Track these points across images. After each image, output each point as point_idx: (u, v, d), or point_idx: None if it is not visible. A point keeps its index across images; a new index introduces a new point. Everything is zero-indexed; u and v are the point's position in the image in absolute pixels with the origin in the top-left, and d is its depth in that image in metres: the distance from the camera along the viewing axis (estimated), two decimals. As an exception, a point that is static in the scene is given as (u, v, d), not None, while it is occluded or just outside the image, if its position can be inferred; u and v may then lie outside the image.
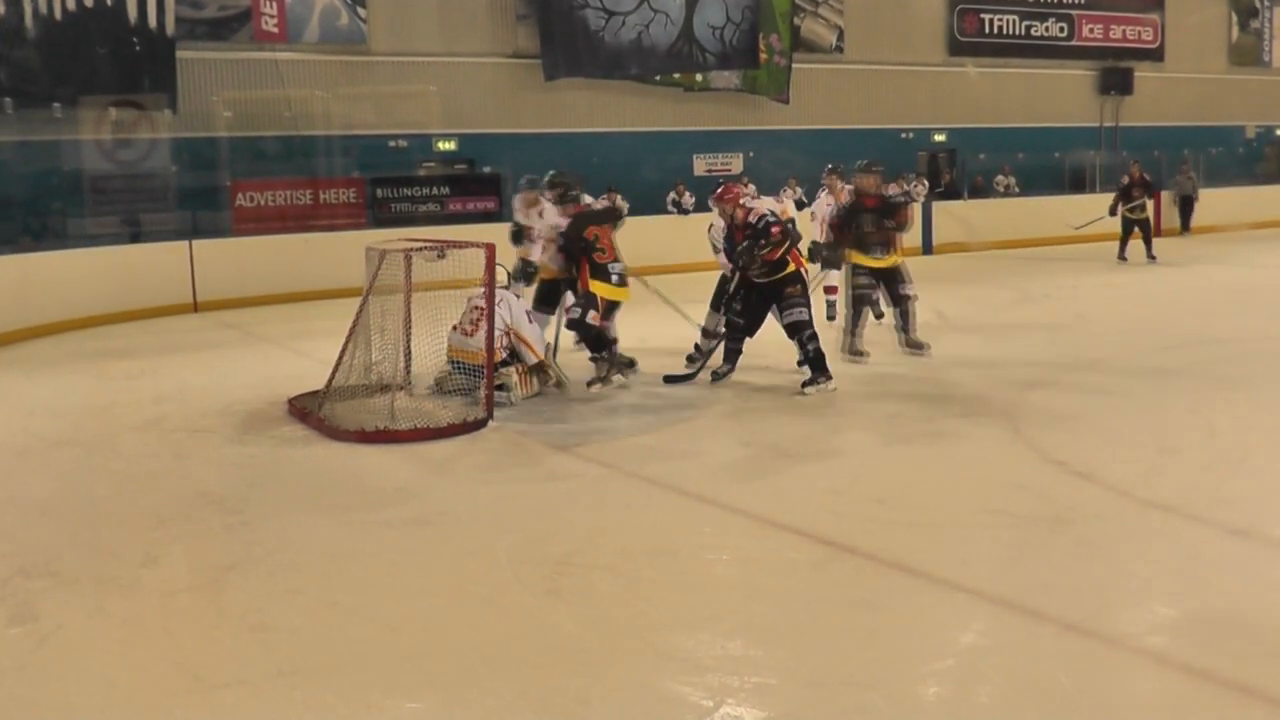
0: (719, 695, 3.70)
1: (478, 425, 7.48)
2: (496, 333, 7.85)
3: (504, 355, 8.22)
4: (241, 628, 4.43)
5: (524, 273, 9.38)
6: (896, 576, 4.68)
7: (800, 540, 5.15)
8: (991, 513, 5.42)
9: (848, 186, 10.41)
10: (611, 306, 8.67)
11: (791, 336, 8.42)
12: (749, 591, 4.61)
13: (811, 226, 11.08)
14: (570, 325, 8.56)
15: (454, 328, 8.28)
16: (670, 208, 19.82)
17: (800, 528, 5.28)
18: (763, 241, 8.33)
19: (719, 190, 8.86)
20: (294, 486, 6.48)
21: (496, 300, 7.97)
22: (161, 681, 4.02)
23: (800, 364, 8.38)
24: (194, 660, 4.16)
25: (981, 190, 23.27)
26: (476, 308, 8.15)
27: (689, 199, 19.64)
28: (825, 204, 11.07)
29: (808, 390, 8.14)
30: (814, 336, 8.29)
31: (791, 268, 8.51)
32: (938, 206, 20.79)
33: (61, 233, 16.97)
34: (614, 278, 8.55)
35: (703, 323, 9.50)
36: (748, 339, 8.71)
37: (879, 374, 8.91)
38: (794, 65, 22.16)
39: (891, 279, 9.51)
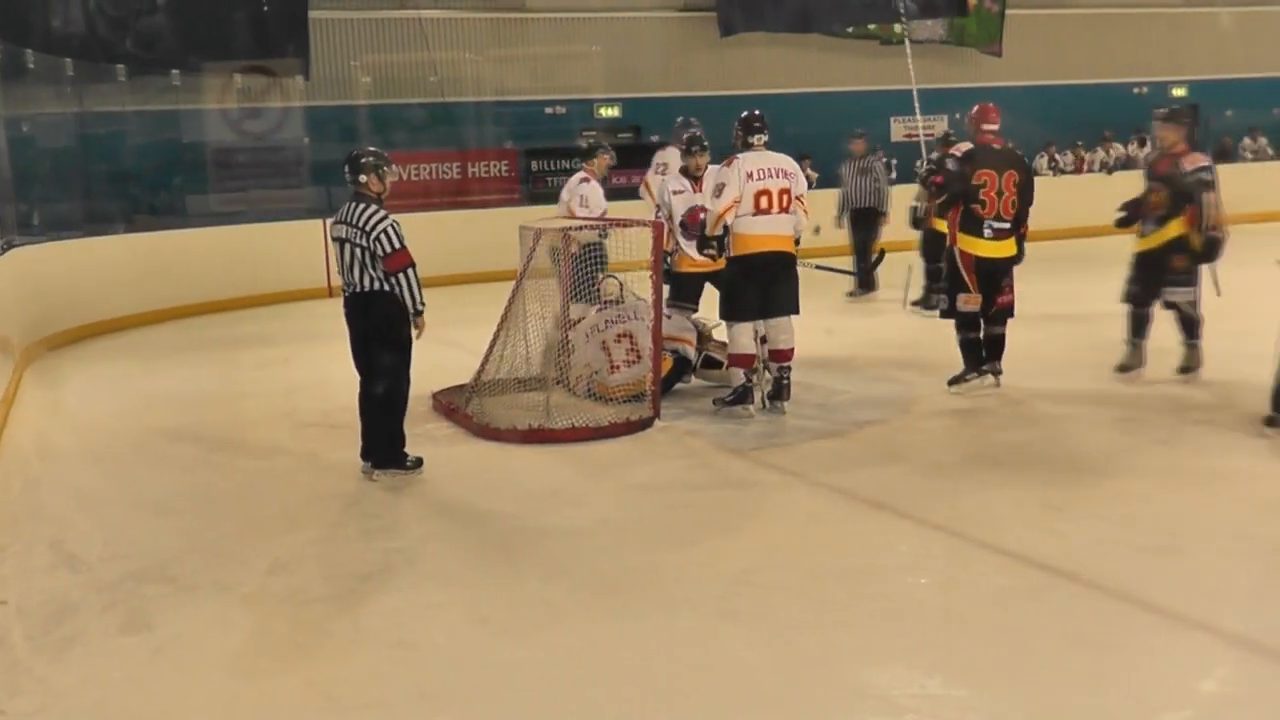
0: (916, 740, 3.60)
1: (642, 425, 7.51)
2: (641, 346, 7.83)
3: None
4: (379, 644, 4.49)
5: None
6: (1126, 610, 4.53)
7: (1013, 564, 5.02)
8: (1242, 539, 5.21)
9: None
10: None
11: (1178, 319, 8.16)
12: (952, 621, 4.51)
13: None
14: (945, 316, 8.12)
15: (587, 367, 8.10)
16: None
17: (1014, 549, 5.16)
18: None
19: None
20: (439, 489, 6.57)
21: (630, 314, 8.10)
22: (290, 700, 4.10)
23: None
24: (326, 678, 4.23)
25: (1229, 154, 22.23)
26: (625, 333, 8.07)
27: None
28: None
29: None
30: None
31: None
32: None
33: (184, 210, 17.68)
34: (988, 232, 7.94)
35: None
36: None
37: (1108, 376, 8.45)
38: (1008, 11, 21.58)
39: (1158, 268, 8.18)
